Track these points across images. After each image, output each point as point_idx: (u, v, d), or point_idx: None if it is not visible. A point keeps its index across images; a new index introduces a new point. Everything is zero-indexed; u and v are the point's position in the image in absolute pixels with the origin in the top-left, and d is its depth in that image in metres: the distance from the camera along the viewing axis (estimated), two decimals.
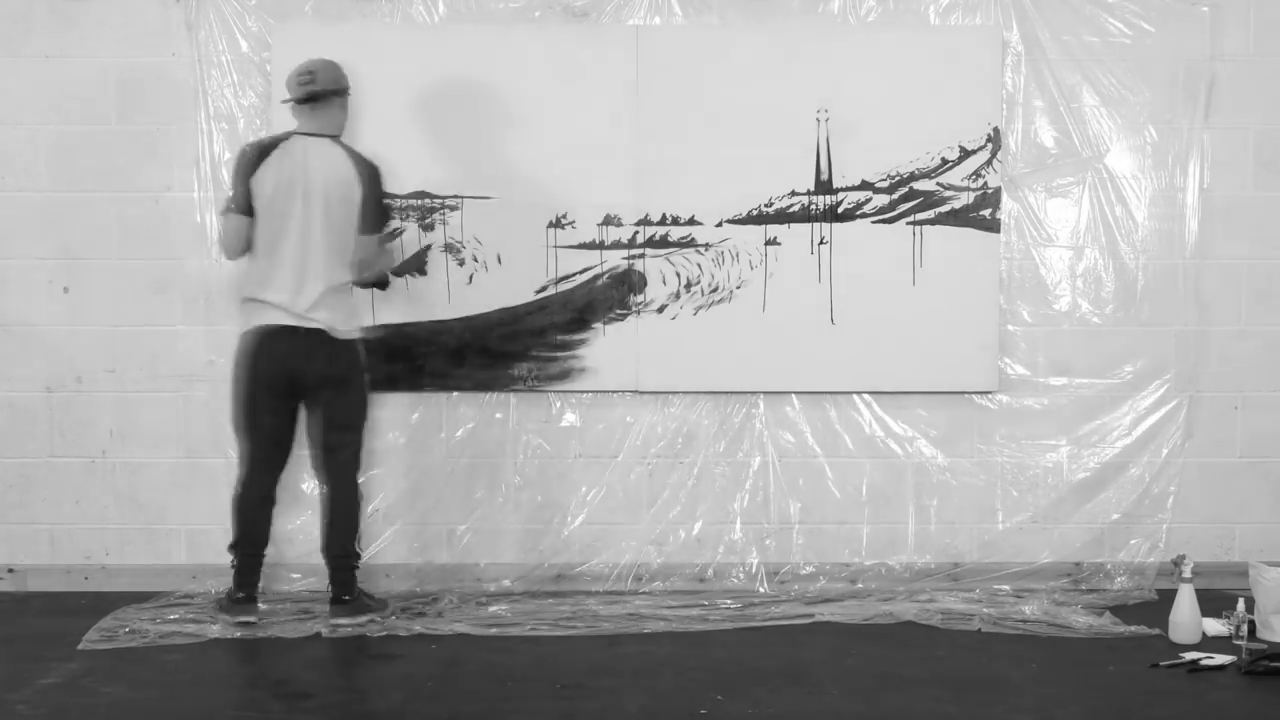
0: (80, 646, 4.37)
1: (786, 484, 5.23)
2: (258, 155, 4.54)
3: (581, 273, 5.15)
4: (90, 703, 3.84)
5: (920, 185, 5.14)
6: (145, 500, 5.21)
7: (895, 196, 5.14)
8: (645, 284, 5.16)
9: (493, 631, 4.59)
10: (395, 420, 5.16)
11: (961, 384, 5.21)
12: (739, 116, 5.11)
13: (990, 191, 5.14)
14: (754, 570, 5.19)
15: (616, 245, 5.14)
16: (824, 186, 5.14)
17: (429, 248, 5.11)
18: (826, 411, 5.23)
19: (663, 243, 5.15)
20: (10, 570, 5.21)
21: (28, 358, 5.18)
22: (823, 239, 5.15)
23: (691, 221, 5.14)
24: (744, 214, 5.14)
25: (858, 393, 5.23)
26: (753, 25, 5.15)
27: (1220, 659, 4.23)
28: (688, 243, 5.15)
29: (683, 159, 5.12)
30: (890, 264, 5.15)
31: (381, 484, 5.10)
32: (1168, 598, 4.64)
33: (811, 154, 5.14)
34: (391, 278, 4.96)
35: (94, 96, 5.14)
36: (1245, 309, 5.27)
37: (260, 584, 4.73)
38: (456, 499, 5.20)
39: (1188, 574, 4.46)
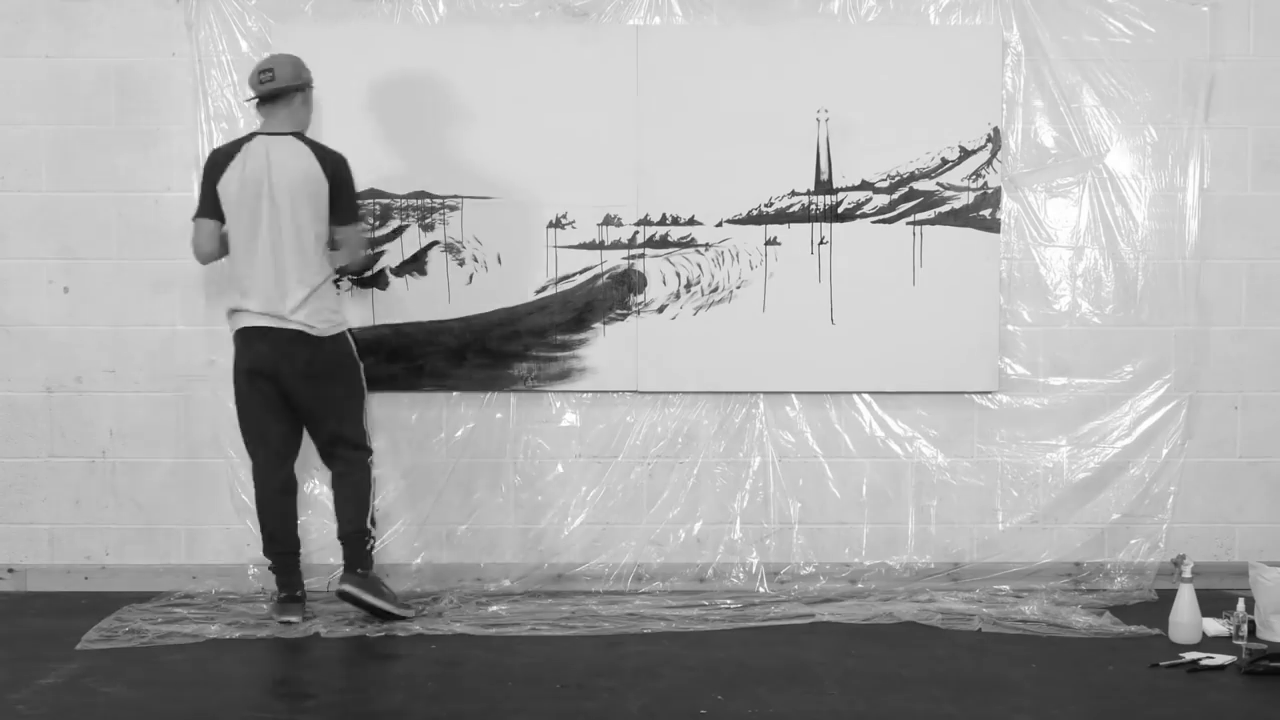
0: (80, 646, 4.37)
1: (786, 484, 5.23)
2: (223, 159, 4.55)
3: (581, 273, 5.15)
4: (90, 703, 3.83)
5: (920, 185, 5.14)
6: (145, 500, 5.21)
7: (895, 196, 5.14)
8: (645, 284, 5.16)
9: (493, 631, 4.59)
10: (395, 420, 5.17)
11: (961, 384, 5.21)
12: (739, 116, 5.11)
13: (990, 191, 5.14)
14: (754, 570, 5.19)
15: (616, 245, 5.15)
16: (824, 186, 5.14)
17: (429, 247, 5.11)
18: (826, 411, 5.23)
19: (663, 243, 5.15)
20: (10, 570, 5.21)
21: (28, 358, 5.18)
22: (823, 239, 5.15)
23: (691, 221, 5.15)
24: (744, 214, 5.14)
25: (858, 393, 5.23)
26: (753, 25, 5.15)
27: (1220, 659, 4.23)
28: (688, 243, 5.15)
29: (683, 159, 5.12)
30: (890, 264, 5.15)
31: (381, 484, 5.09)
32: (1168, 598, 4.64)
33: (811, 154, 5.14)
34: (391, 277, 4.96)
35: (94, 96, 5.14)
36: (1245, 309, 5.27)
37: (301, 584, 4.71)
38: (456, 499, 5.20)
39: (1188, 574, 4.46)
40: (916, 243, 5.16)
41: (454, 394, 5.19)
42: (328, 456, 4.71)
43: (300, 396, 4.58)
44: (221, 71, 5.12)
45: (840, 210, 5.15)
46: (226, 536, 5.16)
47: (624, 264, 5.15)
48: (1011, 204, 5.21)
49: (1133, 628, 4.62)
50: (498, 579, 5.16)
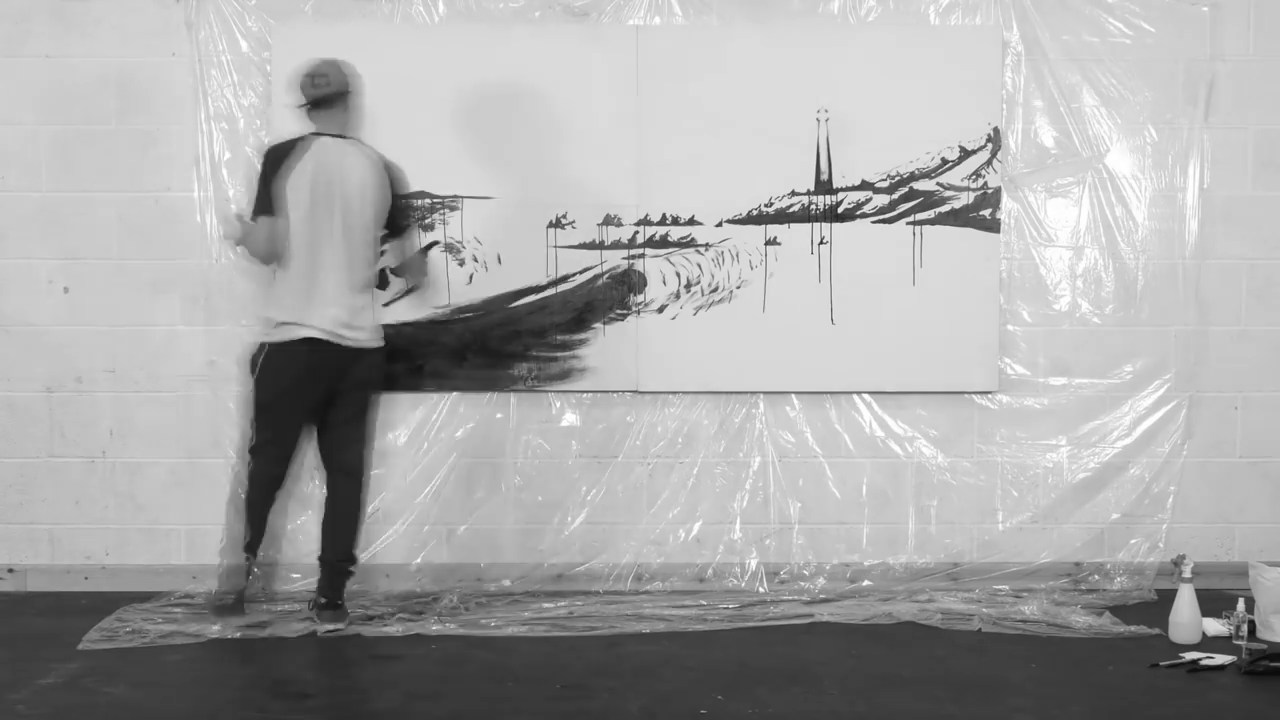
0: (80, 646, 4.36)
1: (786, 484, 5.23)
2: (284, 156, 4.47)
3: (581, 273, 5.15)
4: (90, 703, 3.83)
5: (920, 185, 5.14)
6: (145, 500, 5.21)
7: (895, 196, 5.14)
8: (645, 284, 5.16)
9: (493, 631, 4.59)
10: (395, 420, 5.16)
11: (961, 384, 5.21)
12: (739, 116, 5.11)
13: (990, 191, 5.14)
14: (754, 570, 5.19)
15: (616, 245, 5.15)
16: (824, 186, 5.14)
17: (429, 247, 5.11)
18: (826, 411, 5.23)
19: (663, 243, 5.15)
20: (10, 570, 5.21)
21: (28, 358, 5.18)
22: (823, 239, 5.15)
23: (691, 221, 5.14)
24: (744, 214, 5.14)
25: (858, 393, 5.23)
26: (753, 25, 5.15)
27: (1220, 659, 4.23)
28: (688, 243, 5.15)
29: (683, 159, 5.12)
30: (890, 264, 5.15)
31: (381, 484, 5.09)
32: (1168, 598, 4.64)
33: (811, 154, 5.14)
34: (391, 277, 4.97)
35: (94, 96, 5.14)
36: (1245, 309, 5.27)
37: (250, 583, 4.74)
38: (456, 499, 5.20)
39: (1188, 574, 4.46)
40: (916, 243, 5.16)
41: (454, 394, 5.19)
42: (336, 460, 4.67)
43: (340, 403, 4.58)
44: (221, 71, 5.11)
45: (840, 210, 5.15)
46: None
47: (624, 264, 5.15)
48: (1011, 204, 5.21)
49: (1133, 628, 4.62)
50: (498, 579, 5.16)
